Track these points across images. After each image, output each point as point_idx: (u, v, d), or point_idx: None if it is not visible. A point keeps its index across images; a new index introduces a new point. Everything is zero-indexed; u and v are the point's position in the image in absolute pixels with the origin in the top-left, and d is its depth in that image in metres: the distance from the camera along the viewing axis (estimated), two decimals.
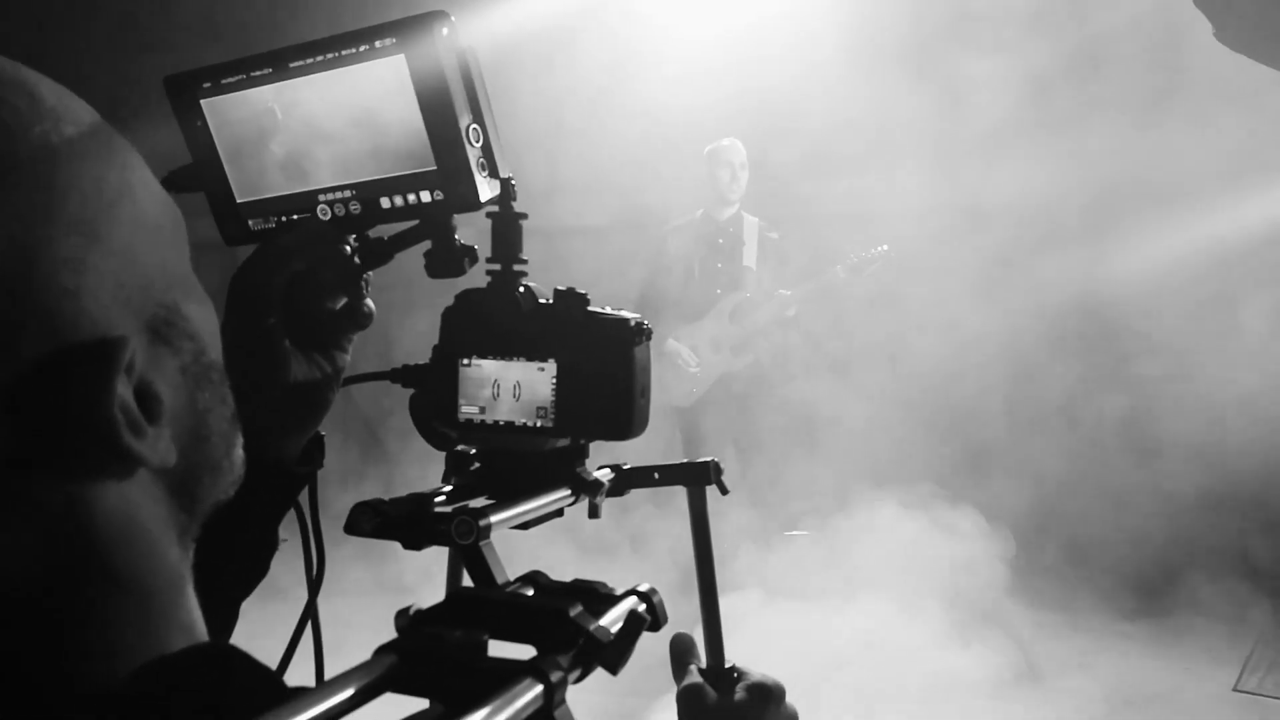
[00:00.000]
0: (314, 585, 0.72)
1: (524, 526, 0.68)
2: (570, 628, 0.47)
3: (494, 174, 0.67)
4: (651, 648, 0.71)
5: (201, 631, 0.47)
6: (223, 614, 0.72)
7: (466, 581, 0.63)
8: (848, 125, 4.58)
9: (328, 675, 0.41)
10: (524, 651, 0.47)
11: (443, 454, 0.78)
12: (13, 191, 0.39)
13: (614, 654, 0.47)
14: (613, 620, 0.51)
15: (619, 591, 0.58)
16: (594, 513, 0.79)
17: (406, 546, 0.61)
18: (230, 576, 0.72)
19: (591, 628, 0.47)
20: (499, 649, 0.46)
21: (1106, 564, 4.18)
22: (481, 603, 0.50)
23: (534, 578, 0.60)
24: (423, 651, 0.45)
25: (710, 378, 4.05)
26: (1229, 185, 4.01)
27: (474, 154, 0.65)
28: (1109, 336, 4.49)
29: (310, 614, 0.72)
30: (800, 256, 4.08)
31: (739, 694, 0.78)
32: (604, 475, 0.79)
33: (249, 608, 0.75)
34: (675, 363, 4.03)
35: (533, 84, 4.86)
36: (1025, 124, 4.37)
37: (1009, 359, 4.48)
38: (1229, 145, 4.04)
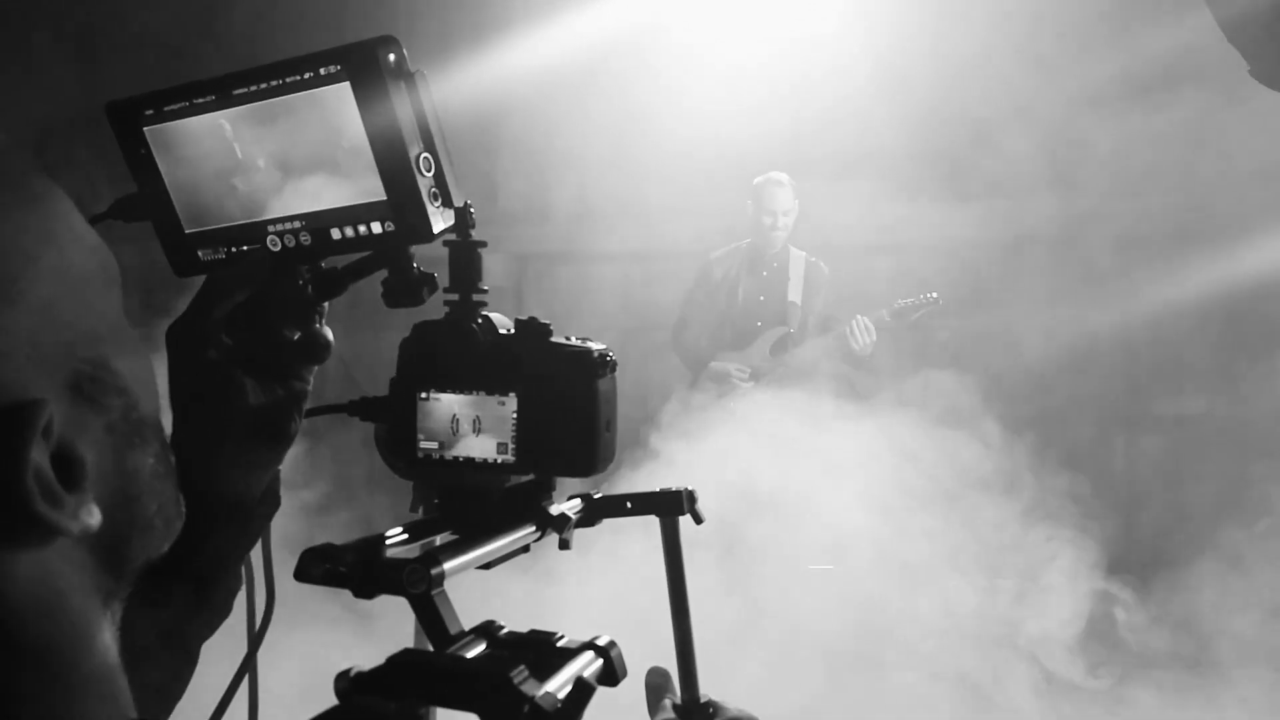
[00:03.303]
0: (255, 638, 0.70)
1: (486, 566, 0.66)
2: (513, 696, 0.44)
3: (447, 203, 0.65)
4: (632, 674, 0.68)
5: (126, 701, 0.44)
6: (182, 655, 0.70)
7: None
8: (882, 152, 4.52)
9: None
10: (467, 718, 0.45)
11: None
12: None
13: None
14: (562, 683, 0.48)
15: (577, 643, 0.56)
16: (564, 545, 0.77)
17: (357, 595, 0.59)
18: (194, 622, 0.70)
19: (537, 695, 0.45)
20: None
21: None
22: (423, 666, 0.48)
23: (487, 629, 0.58)
24: None
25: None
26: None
27: (425, 184, 0.63)
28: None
29: (248, 668, 0.69)
30: (849, 291, 4.00)
31: None
32: (572, 508, 0.77)
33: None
34: (725, 382, 3.91)
35: (564, 110, 4.82)
36: (1061, 151, 4.31)
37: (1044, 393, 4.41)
38: None
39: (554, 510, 0.72)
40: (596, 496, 0.82)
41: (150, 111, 0.67)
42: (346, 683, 0.47)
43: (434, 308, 0.73)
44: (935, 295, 3.79)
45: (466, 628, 0.58)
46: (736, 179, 4.17)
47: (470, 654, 0.54)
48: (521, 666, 0.46)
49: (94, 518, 0.40)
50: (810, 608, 3.27)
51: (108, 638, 0.43)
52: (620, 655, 0.55)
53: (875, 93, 4.37)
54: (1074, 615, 3.28)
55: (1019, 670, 3.25)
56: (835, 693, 3.10)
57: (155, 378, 0.50)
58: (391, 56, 0.61)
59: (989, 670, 3.24)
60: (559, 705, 0.45)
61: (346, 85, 0.61)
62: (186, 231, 0.70)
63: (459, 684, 0.46)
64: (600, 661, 0.54)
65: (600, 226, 5.08)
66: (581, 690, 0.47)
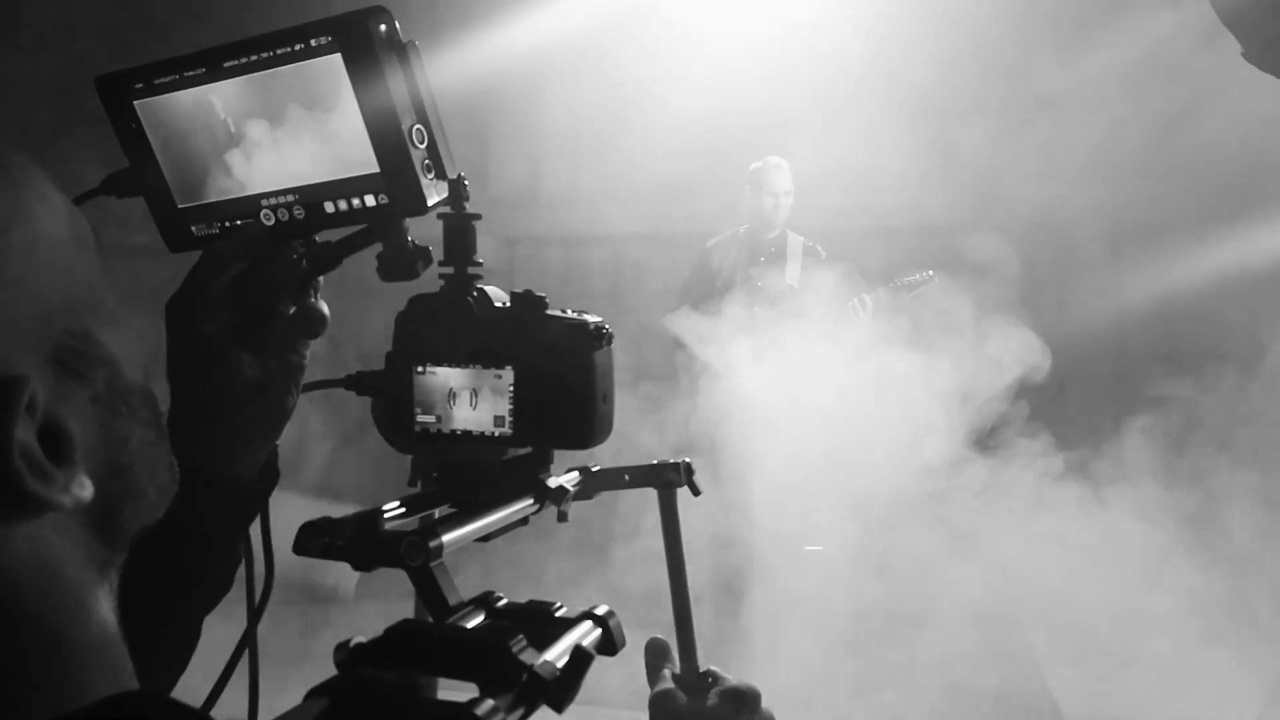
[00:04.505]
0: (255, 613, 0.70)
1: (485, 539, 0.66)
2: (512, 665, 0.45)
3: (441, 175, 0.64)
4: (630, 650, 0.69)
5: (128, 672, 0.44)
6: (185, 630, 0.70)
7: None
8: (876, 136, 4.49)
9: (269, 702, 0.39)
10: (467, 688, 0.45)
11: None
12: None
13: (558, 691, 0.45)
14: (560, 652, 0.49)
15: (575, 613, 0.56)
16: (562, 518, 0.77)
17: (356, 568, 0.59)
18: (196, 596, 0.70)
19: (536, 664, 0.45)
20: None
21: None
22: (422, 637, 0.48)
23: (485, 600, 0.58)
24: (357, 695, 0.42)
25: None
26: None
27: (418, 156, 0.62)
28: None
29: (248, 643, 0.69)
30: (844, 272, 4.00)
31: (712, 699, 0.77)
32: (570, 480, 0.77)
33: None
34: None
35: (554, 93, 4.79)
36: (1055, 136, 4.28)
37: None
38: None
39: (552, 483, 0.72)
40: (594, 469, 0.82)
41: (140, 85, 0.66)
42: (345, 653, 0.48)
43: (426, 282, 0.72)
44: (931, 273, 3.83)
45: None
46: (728, 161, 4.16)
47: (469, 625, 0.54)
48: (520, 636, 0.47)
49: (85, 490, 0.40)
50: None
51: (105, 608, 0.43)
52: (619, 625, 0.55)
53: (868, 75, 4.35)
54: None
55: None
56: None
57: (139, 344, 0.49)
58: (383, 27, 0.60)
59: None
60: (557, 674, 0.45)
61: (338, 57, 0.60)
62: (179, 206, 0.69)
63: (457, 654, 0.46)
64: (599, 631, 0.54)
65: (590, 209, 5.06)
66: (580, 659, 0.47)
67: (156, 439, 0.47)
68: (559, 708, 0.45)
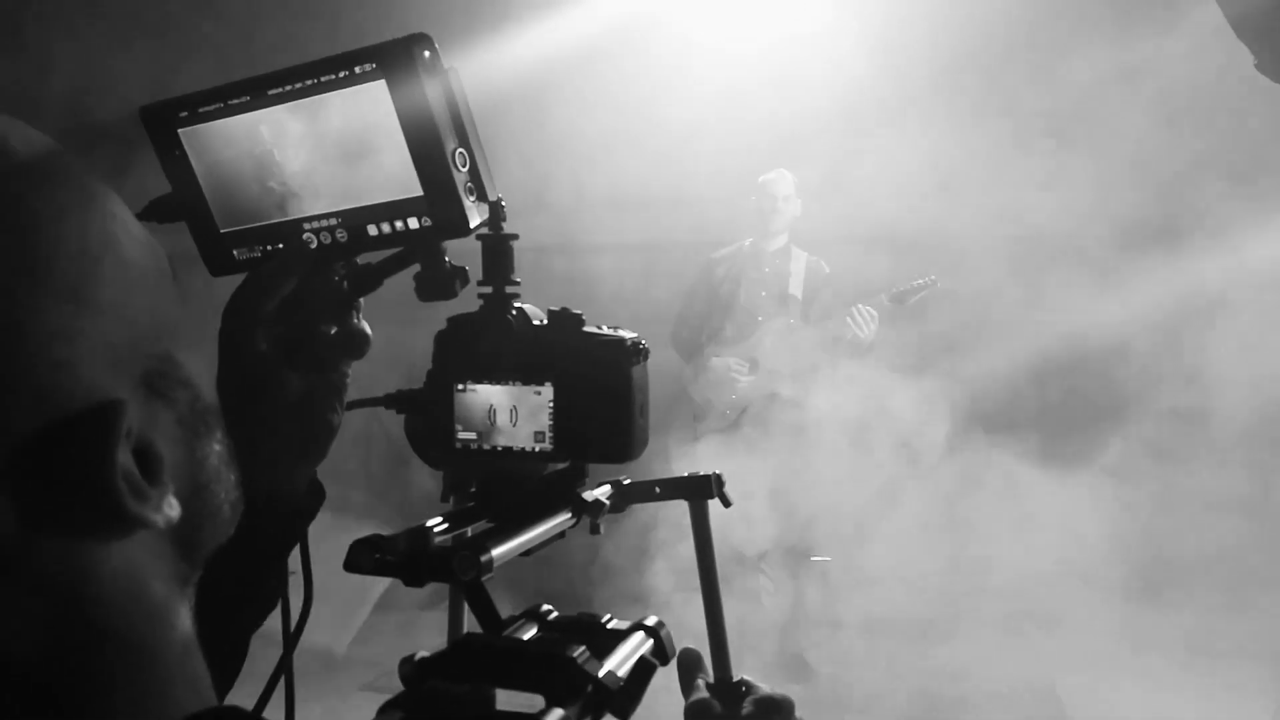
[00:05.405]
0: (291, 639, 0.71)
1: (525, 554, 0.67)
2: (578, 676, 0.46)
3: (482, 197, 0.66)
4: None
5: (207, 685, 0.46)
6: (235, 647, 0.71)
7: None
8: (880, 147, 4.51)
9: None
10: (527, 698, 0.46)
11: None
12: None
13: (624, 700, 0.46)
14: (620, 661, 0.50)
15: (625, 625, 0.57)
16: (595, 530, 0.78)
17: (408, 584, 0.60)
18: (245, 614, 0.71)
19: (600, 674, 0.46)
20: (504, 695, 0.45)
21: None
22: (486, 650, 0.49)
23: (535, 612, 0.59)
24: (429, 708, 0.44)
25: (746, 401, 4.02)
26: None
27: (461, 179, 0.64)
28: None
29: (284, 669, 0.70)
30: (847, 285, 4.01)
31: (746, 708, 0.78)
32: (604, 493, 0.79)
33: None
34: (725, 376, 3.94)
35: (560, 101, 4.80)
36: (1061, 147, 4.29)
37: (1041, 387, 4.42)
38: None
39: (588, 496, 0.74)
40: (626, 482, 0.83)
41: (185, 113, 0.67)
42: (411, 667, 0.49)
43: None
44: (933, 278, 3.83)
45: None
46: (734, 171, 4.17)
47: (524, 637, 0.55)
48: (583, 648, 0.48)
49: (175, 509, 0.41)
50: None
51: (187, 623, 0.44)
52: (669, 635, 0.56)
53: (872, 85, 4.37)
54: None
55: None
56: None
57: (208, 366, 0.51)
58: (426, 54, 0.62)
59: None
60: (621, 684, 0.47)
61: (382, 83, 0.62)
62: (221, 231, 0.71)
63: (523, 666, 0.47)
64: (651, 641, 0.55)
65: (596, 218, 5.08)
66: (644, 669, 0.48)
67: (229, 459, 0.49)
68: (624, 717, 0.46)
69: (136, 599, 0.41)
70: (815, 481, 4.02)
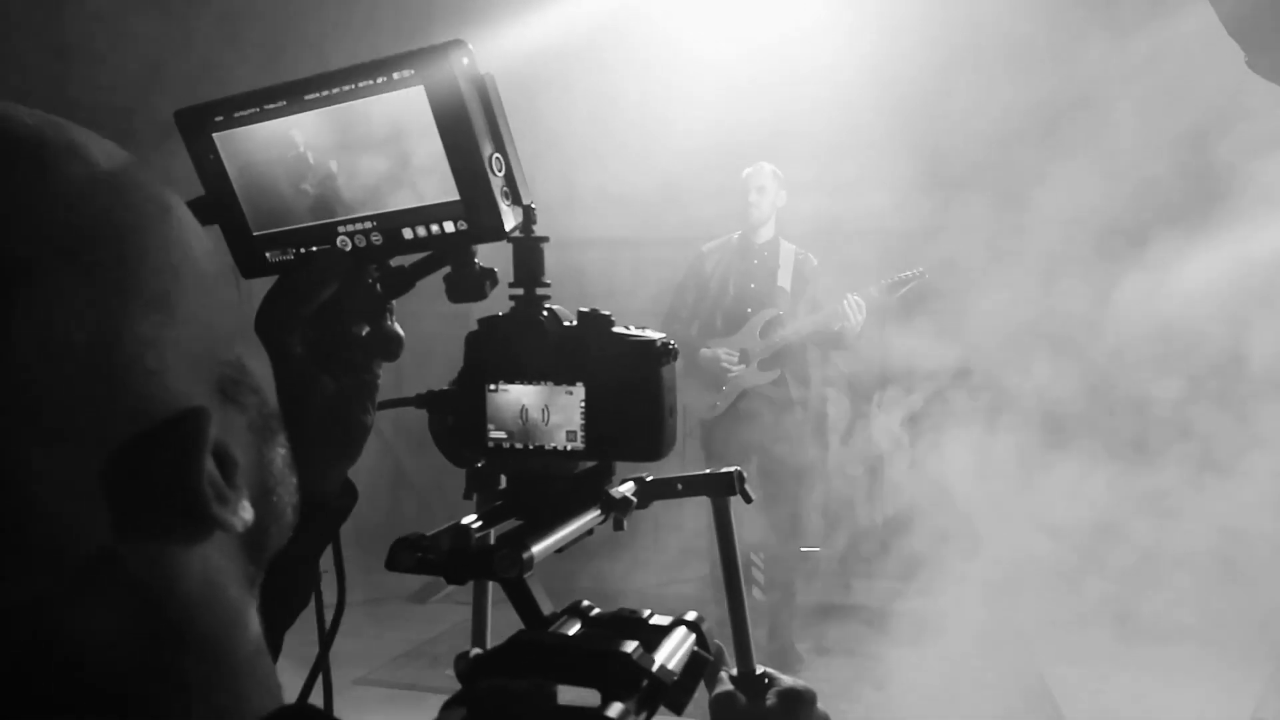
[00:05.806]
0: (327, 638, 0.72)
1: (559, 550, 0.69)
2: (634, 670, 0.47)
3: (516, 201, 0.67)
4: None
5: (276, 684, 0.47)
6: (272, 645, 0.72)
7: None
8: (870, 144, 4.54)
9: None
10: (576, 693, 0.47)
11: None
12: (87, 274, 0.38)
13: (678, 693, 0.47)
14: (668, 654, 0.51)
15: (667, 620, 0.59)
16: (618, 526, 0.79)
17: (450, 581, 0.61)
18: (279, 613, 0.72)
19: (654, 669, 0.48)
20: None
21: None
22: (541, 646, 0.51)
23: (577, 608, 0.60)
24: (491, 704, 0.45)
25: (735, 391, 4.04)
26: None
27: (497, 183, 0.65)
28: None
29: (321, 667, 0.71)
30: (835, 277, 4.04)
31: (770, 700, 0.79)
32: (628, 490, 0.80)
33: None
34: (714, 367, 3.98)
35: (551, 95, 4.79)
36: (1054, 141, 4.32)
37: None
38: None
39: (616, 494, 0.75)
40: (649, 479, 0.85)
41: (220, 118, 0.68)
42: (466, 664, 0.50)
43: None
44: (922, 270, 3.88)
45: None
46: (722, 166, 4.19)
47: (569, 633, 0.56)
48: (636, 643, 0.49)
49: (249, 513, 0.42)
50: None
51: (256, 624, 0.46)
52: (711, 629, 0.58)
53: (861, 81, 4.39)
54: None
55: None
56: None
57: (269, 370, 0.51)
58: (465, 60, 0.62)
59: None
60: (675, 677, 0.48)
61: (420, 89, 0.63)
62: (254, 234, 0.71)
63: (579, 661, 0.49)
64: (694, 635, 0.57)
65: (585, 213, 5.08)
66: (698, 663, 0.50)
67: (291, 462, 0.50)
68: (679, 710, 0.47)
69: (216, 602, 0.42)
70: (806, 471, 4.05)
